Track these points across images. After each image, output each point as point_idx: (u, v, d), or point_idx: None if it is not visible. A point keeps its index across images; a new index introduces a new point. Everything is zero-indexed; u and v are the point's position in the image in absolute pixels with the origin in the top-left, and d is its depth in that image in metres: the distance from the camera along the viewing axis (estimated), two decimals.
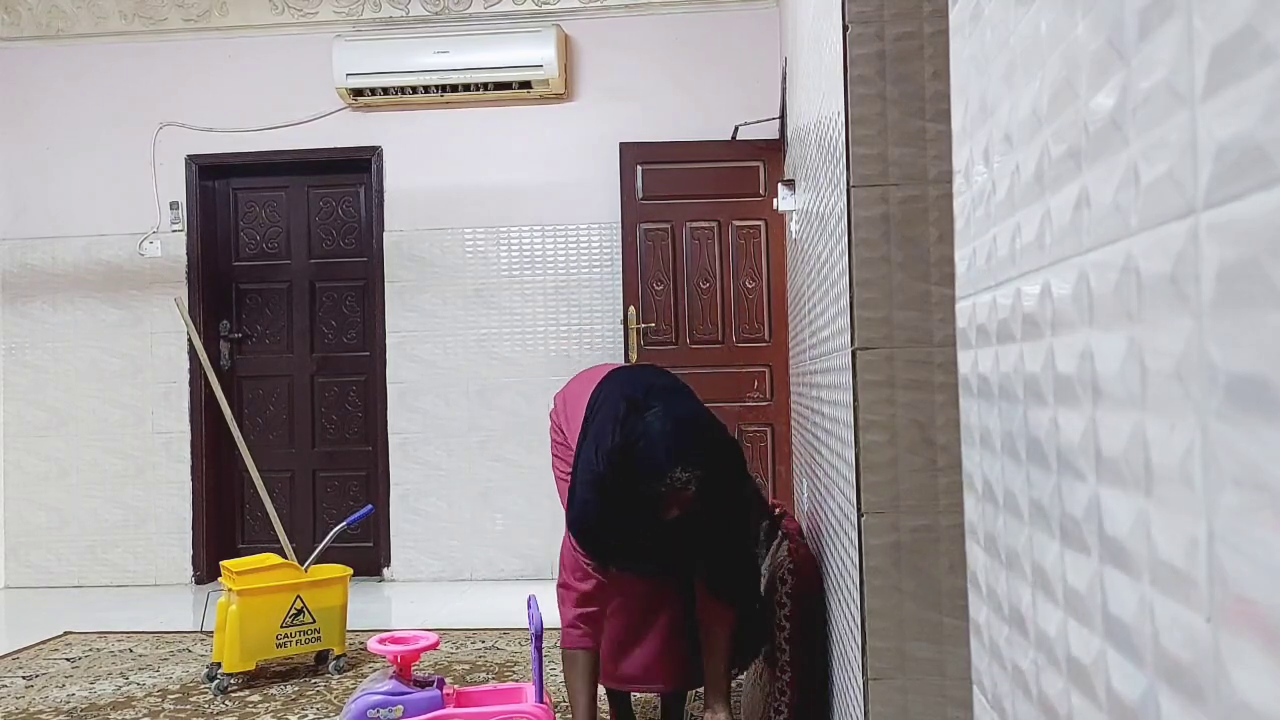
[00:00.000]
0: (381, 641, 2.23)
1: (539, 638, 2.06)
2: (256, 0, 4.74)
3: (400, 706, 2.13)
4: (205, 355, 3.38)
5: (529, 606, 2.13)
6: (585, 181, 4.63)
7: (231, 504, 4.91)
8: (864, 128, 1.53)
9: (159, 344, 4.80)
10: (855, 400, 1.54)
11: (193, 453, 4.77)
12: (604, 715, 2.58)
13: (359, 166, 4.80)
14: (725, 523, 2.08)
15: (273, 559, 3.09)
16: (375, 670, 2.98)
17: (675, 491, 1.90)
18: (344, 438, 4.88)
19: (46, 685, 3.09)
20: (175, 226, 4.82)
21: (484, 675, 3.05)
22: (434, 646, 2.26)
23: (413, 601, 4.27)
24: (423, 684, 2.19)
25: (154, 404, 4.79)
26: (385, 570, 4.70)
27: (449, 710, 2.12)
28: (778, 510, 2.80)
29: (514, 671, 3.07)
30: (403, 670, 2.20)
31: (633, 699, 2.55)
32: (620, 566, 2.12)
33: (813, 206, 2.39)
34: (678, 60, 4.62)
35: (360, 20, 4.73)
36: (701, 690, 2.28)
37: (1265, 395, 0.32)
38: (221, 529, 4.87)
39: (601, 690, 2.77)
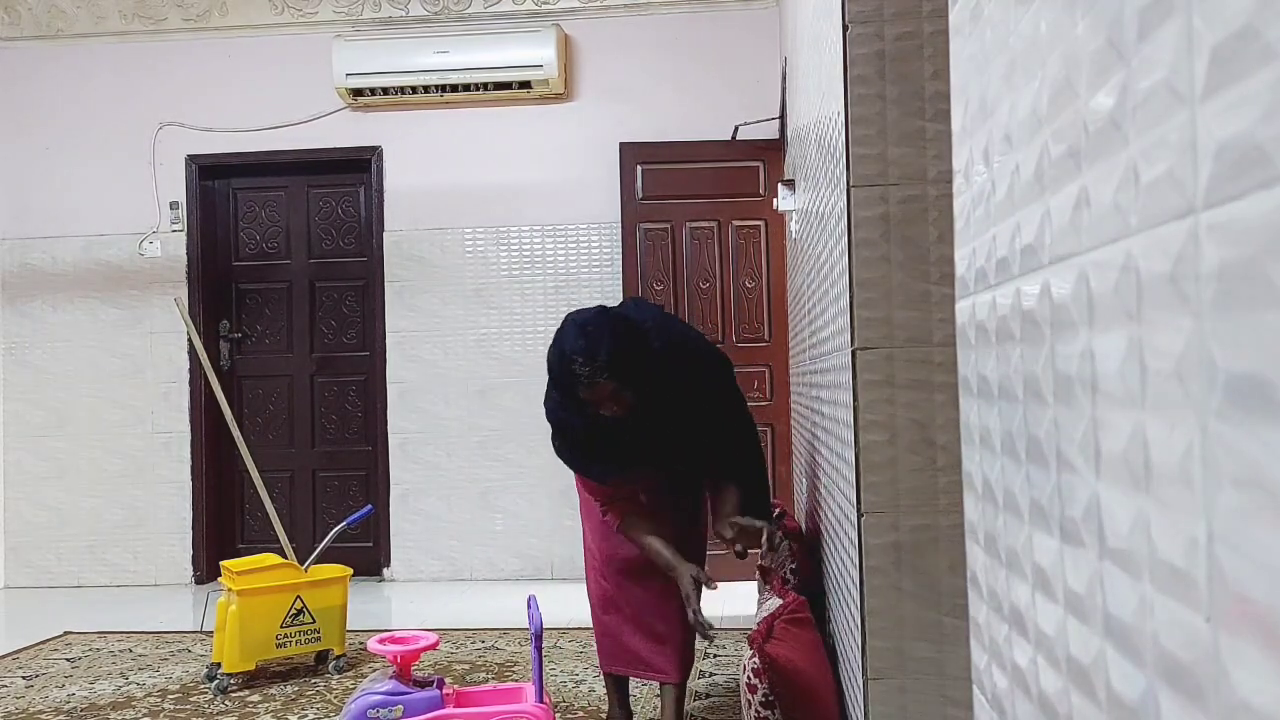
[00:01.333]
0: (381, 641, 2.23)
1: (539, 637, 2.07)
2: (256, 0, 4.74)
3: (400, 706, 2.13)
4: (205, 355, 3.38)
5: (529, 606, 2.14)
6: (585, 181, 4.62)
7: (231, 504, 4.91)
8: (864, 128, 1.53)
9: (159, 344, 4.80)
10: (855, 400, 1.54)
11: (193, 453, 4.77)
12: (602, 713, 2.58)
13: (359, 166, 4.80)
14: (706, 414, 2.21)
15: (273, 559, 3.09)
16: (375, 670, 2.98)
17: (593, 388, 1.99)
18: (344, 438, 4.88)
19: (46, 685, 3.09)
20: (175, 226, 4.82)
21: (484, 675, 3.05)
22: (434, 646, 2.27)
23: (413, 601, 4.27)
24: (422, 684, 2.19)
25: (154, 404, 4.79)
26: (385, 570, 4.70)
27: (449, 710, 2.12)
28: (777, 510, 2.81)
29: (514, 671, 3.07)
30: (403, 670, 2.20)
31: (631, 700, 2.56)
32: (609, 475, 2.25)
33: (813, 206, 2.40)
34: (678, 60, 4.62)
35: (360, 20, 4.73)
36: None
37: (1265, 395, 0.32)
38: (221, 529, 4.87)
39: (600, 691, 2.77)
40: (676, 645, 2.34)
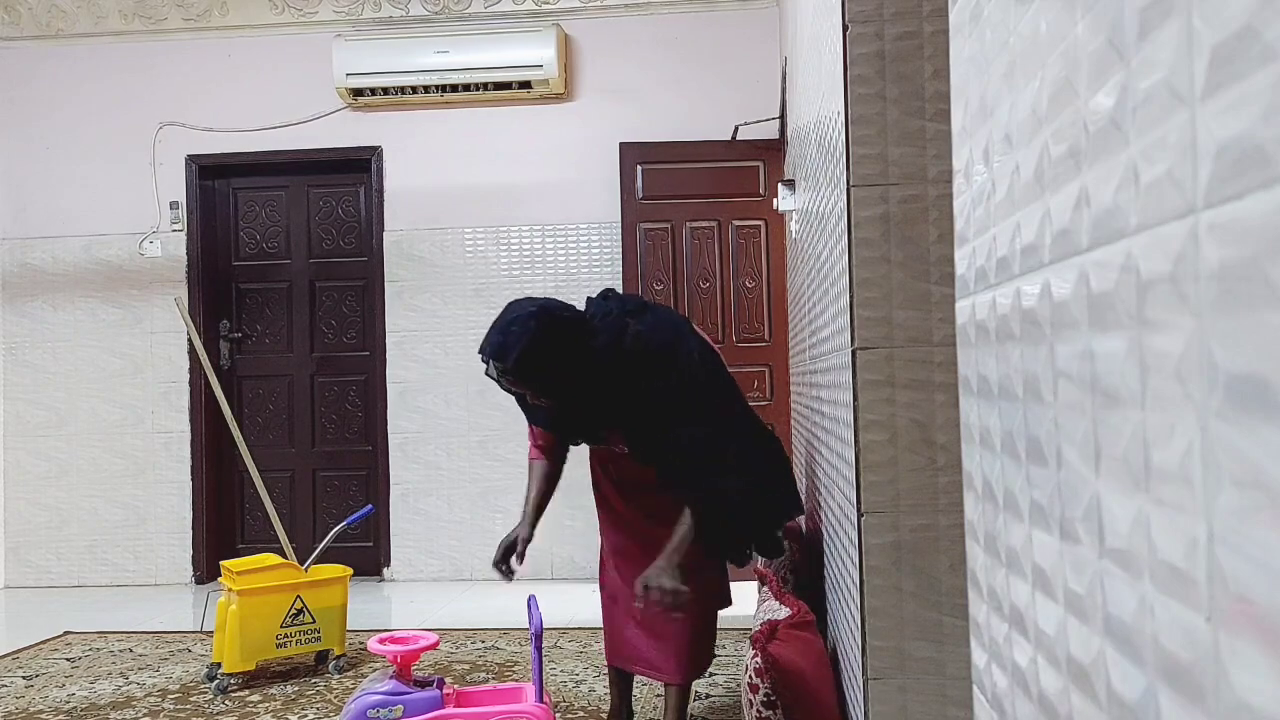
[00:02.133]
0: (381, 641, 2.23)
1: (539, 637, 2.07)
2: (256, 0, 4.74)
3: (400, 706, 2.13)
4: (205, 355, 3.38)
5: (529, 606, 2.14)
6: (585, 181, 4.62)
7: (231, 504, 4.91)
8: (864, 128, 1.53)
9: (159, 344, 4.80)
10: (855, 400, 1.54)
11: (193, 453, 4.77)
12: (603, 713, 2.58)
13: (359, 166, 4.79)
14: (664, 418, 2.13)
15: (273, 559, 3.09)
16: (375, 670, 2.98)
17: (501, 377, 2.08)
18: (344, 437, 4.88)
19: (46, 685, 3.09)
20: (175, 226, 4.82)
21: (484, 675, 3.05)
22: (434, 646, 2.27)
23: (413, 601, 4.27)
24: (423, 684, 2.19)
25: (154, 404, 4.79)
26: (385, 570, 4.70)
27: (449, 710, 2.12)
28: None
29: (514, 671, 3.07)
30: (403, 670, 2.20)
31: (634, 699, 2.56)
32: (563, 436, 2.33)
33: (813, 206, 2.40)
34: (678, 60, 4.62)
35: (360, 20, 4.73)
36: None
37: (1265, 395, 0.32)
38: (221, 529, 4.87)
39: (601, 691, 2.77)
40: (679, 645, 2.31)
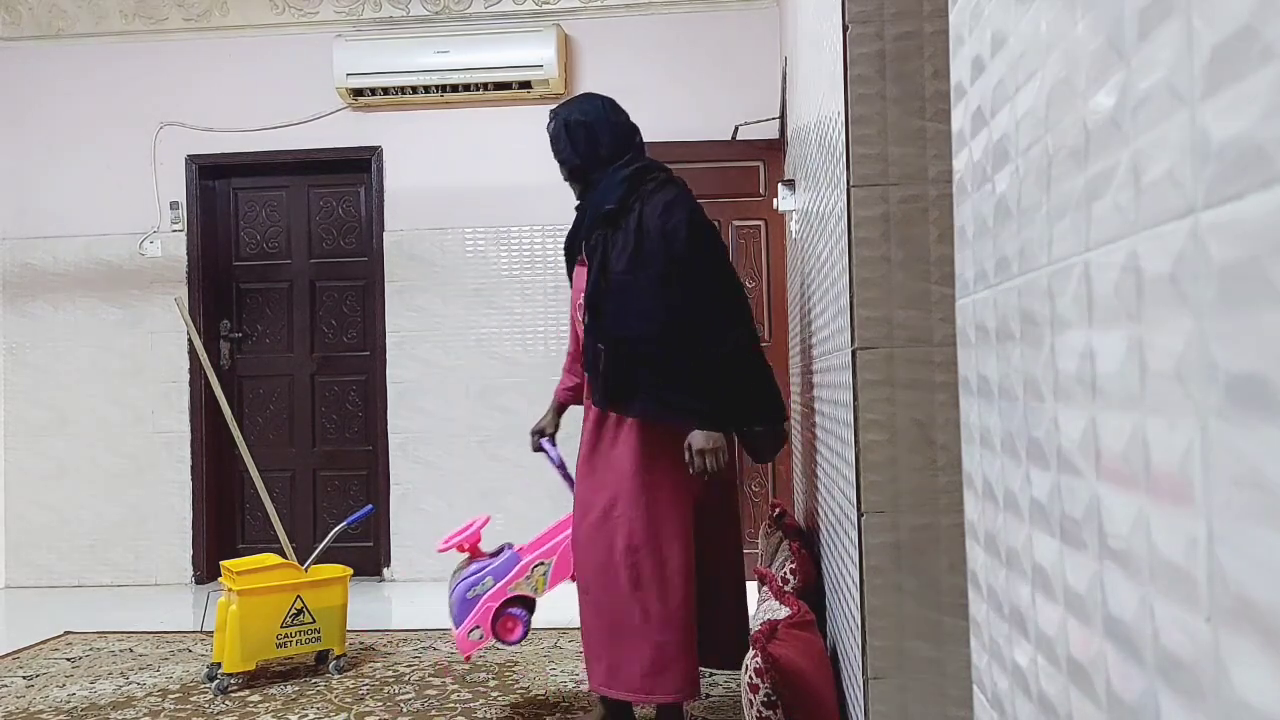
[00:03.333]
0: (446, 543, 2.64)
1: (563, 467, 2.52)
2: (256, 0, 4.74)
3: (489, 578, 2.50)
4: (205, 355, 3.38)
5: (545, 450, 2.57)
6: None
7: (231, 504, 4.90)
8: (864, 127, 1.53)
9: (159, 344, 4.80)
10: (855, 400, 1.54)
11: (193, 452, 4.77)
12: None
13: (359, 166, 4.79)
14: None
15: (273, 559, 3.09)
16: (376, 669, 2.98)
17: (555, 121, 2.61)
18: (344, 437, 4.88)
19: (46, 685, 3.09)
20: (175, 226, 4.82)
21: (484, 675, 3.05)
22: (487, 523, 2.69)
23: (413, 602, 4.27)
24: (495, 554, 2.57)
25: (154, 404, 4.79)
26: (385, 570, 4.70)
27: (531, 556, 2.50)
28: (777, 510, 2.81)
29: (513, 671, 3.07)
30: (473, 550, 2.58)
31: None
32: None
33: (813, 206, 2.40)
34: (678, 60, 4.62)
35: (360, 20, 4.73)
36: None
37: (1265, 395, 0.32)
38: (221, 529, 4.87)
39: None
40: (630, 665, 2.19)
